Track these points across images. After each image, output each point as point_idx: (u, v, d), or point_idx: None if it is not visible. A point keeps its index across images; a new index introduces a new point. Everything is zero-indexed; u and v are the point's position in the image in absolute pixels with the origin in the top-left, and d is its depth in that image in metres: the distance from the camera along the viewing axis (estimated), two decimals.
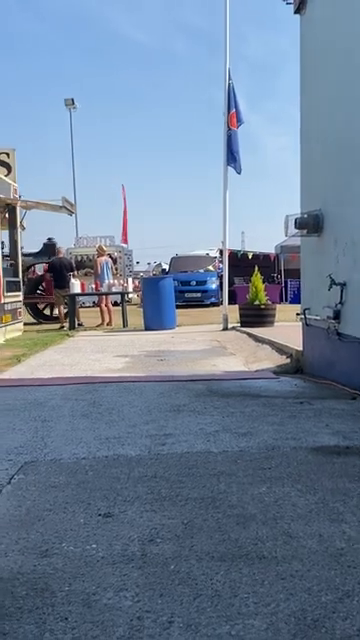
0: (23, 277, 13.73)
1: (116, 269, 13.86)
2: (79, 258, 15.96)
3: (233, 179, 10.82)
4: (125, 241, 25.39)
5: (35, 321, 13.06)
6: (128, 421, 3.66)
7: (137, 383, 5.05)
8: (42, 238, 14.21)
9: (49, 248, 13.48)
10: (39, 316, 13.31)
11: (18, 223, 11.40)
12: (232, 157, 10.05)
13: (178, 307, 13.38)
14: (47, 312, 13.51)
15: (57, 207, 12.92)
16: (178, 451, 2.97)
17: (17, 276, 10.87)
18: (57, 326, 11.98)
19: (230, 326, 10.08)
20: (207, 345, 8.09)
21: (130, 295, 23.94)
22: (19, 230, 11.51)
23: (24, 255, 14.61)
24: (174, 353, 7.25)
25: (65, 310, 11.99)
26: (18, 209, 11.31)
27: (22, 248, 14.99)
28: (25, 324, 11.32)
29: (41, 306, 13.56)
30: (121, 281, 13.03)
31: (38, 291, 13.10)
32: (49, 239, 15.07)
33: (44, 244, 14.37)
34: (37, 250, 13.98)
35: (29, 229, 15.29)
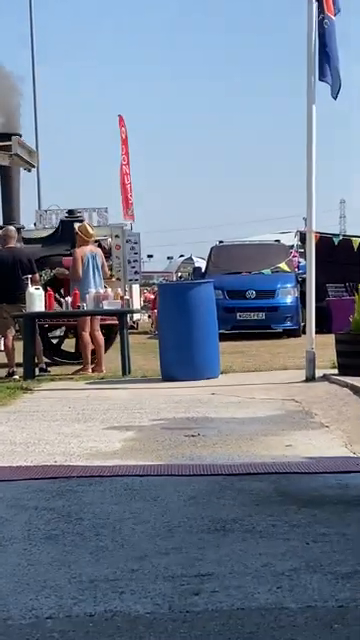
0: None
1: (110, 268, 13.89)
2: None
3: (325, 107, 10.74)
4: (129, 216, 25.57)
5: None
6: (131, 549, 3.66)
7: (148, 478, 5.05)
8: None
9: (70, 228, 13.60)
10: (51, 350, 13.48)
11: None
12: (325, 66, 10.13)
13: (224, 337, 13.31)
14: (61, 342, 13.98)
15: (5, 156, 13.14)
16: (224, 606, 2.96)
17: None
18: (3, 372, 12.08)
19: (320, 374, 10.02)
20: (276, 409, 8.05)
21: (136, 316, 24.02)
22: None
23: (27, 242, 14.95)
24: (216, 423, 7.22)
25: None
26: None
27: (22, 229, 15.39)
28: None
29: (53, 332, 13.93)
30: (119, 290, 13.13)
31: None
32: (70, 212, 15.29)
33: (61, 221, 14.50)
34: (50, 232, 14.20)
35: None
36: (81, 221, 14.31)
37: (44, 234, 15.70)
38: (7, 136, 14.54)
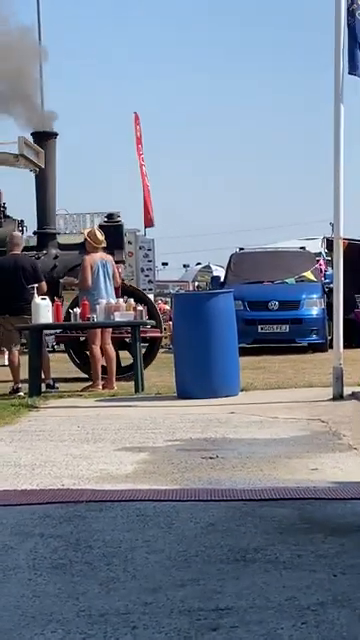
0: (60, 289, 14.12)
1: (122, 279, 13.91)
2: None
3: (354, 103, 10.70)
4: (148, 222, 25.50)
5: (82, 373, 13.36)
6: (144, 580, 3.64)
7: (162, 504, 5.03)
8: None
9: (109, 234, 13.68)
10: (86, 363, 13.60)
11: None
12: (357, 56, 10.11)
13: (245, 352, 13.29)
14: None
15: (10, 157, 13.19)
16: None
17: None
18: (7, 388, 12.07)
19: (348, 391, 10.00)
20: (301, 429, 8.03)
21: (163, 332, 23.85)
22: None
23: (63, 247, 15.08)
24: (235, 444, 7.21)
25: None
26: None
27: (58, 235, 15.50)
28: None
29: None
30: (132, 300, 13.13)
31: None
32: (109, 217, 15.43)
33: (100, 227, 14.62)
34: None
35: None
36: (120, 226, 14.38)
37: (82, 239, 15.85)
38: (45, 135, 14.75)
